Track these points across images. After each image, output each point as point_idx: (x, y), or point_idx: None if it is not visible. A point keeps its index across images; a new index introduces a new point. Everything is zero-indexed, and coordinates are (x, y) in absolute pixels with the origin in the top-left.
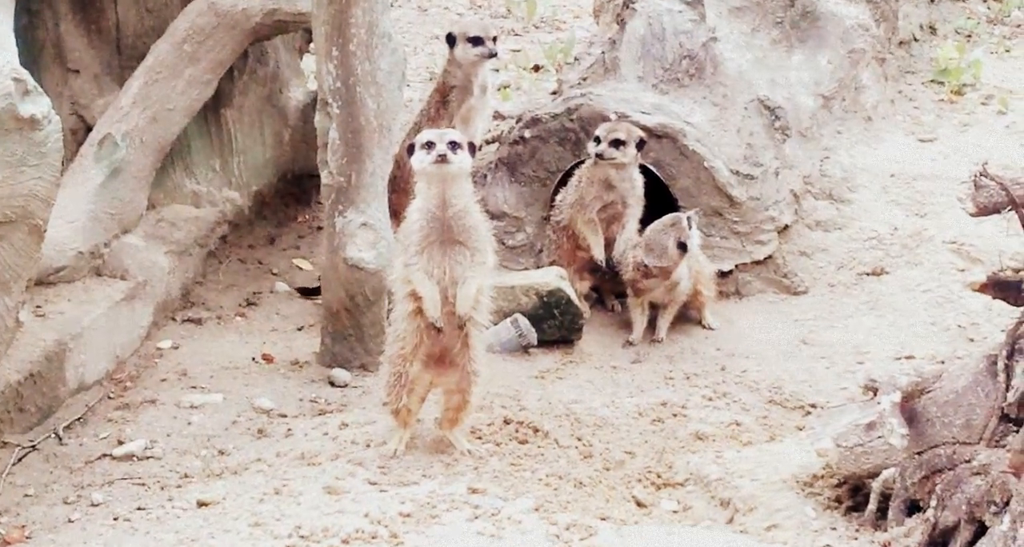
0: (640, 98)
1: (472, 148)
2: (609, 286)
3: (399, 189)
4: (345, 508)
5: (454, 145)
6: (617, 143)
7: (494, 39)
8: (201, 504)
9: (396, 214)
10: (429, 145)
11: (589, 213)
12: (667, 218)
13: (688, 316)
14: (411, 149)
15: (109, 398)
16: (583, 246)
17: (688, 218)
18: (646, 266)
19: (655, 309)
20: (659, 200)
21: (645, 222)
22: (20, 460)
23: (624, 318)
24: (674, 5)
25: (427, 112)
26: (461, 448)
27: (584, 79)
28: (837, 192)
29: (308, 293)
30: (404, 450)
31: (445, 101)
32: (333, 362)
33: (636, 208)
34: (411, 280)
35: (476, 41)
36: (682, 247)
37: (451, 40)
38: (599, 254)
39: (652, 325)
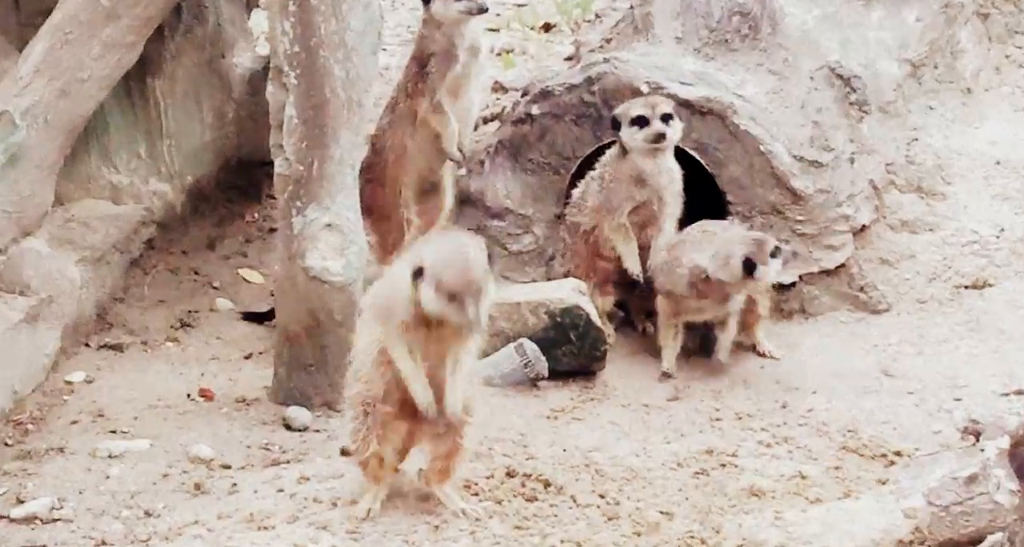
0: (679, 65)
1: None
2: (639, 303)
3: (374, 179)
4: None
5: None
6: (667, 118)
7: None
8: None
9: (370, 211)
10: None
11: (619, 217)
12: (754, 232)
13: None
14: (417, 274)
15: (6, 445)
16: (607, 255)
17: (779, 247)
18: (705, 277)
19: (689, 329)
20: (701, 194)
21: (683, 223)
22: None
23: (657, 342)
24: None
25: (404, 87)
26: (453, 507)
27: (608, 41)
28: (928, 183)
29: (257, 318)
30: (380, 510)
31: (424, 72)
32: (289, 399)
33: (674, 206)
34: (393, 357)
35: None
36: (748, 267)
37: None
38: (634, 266)
39: (693, 348)
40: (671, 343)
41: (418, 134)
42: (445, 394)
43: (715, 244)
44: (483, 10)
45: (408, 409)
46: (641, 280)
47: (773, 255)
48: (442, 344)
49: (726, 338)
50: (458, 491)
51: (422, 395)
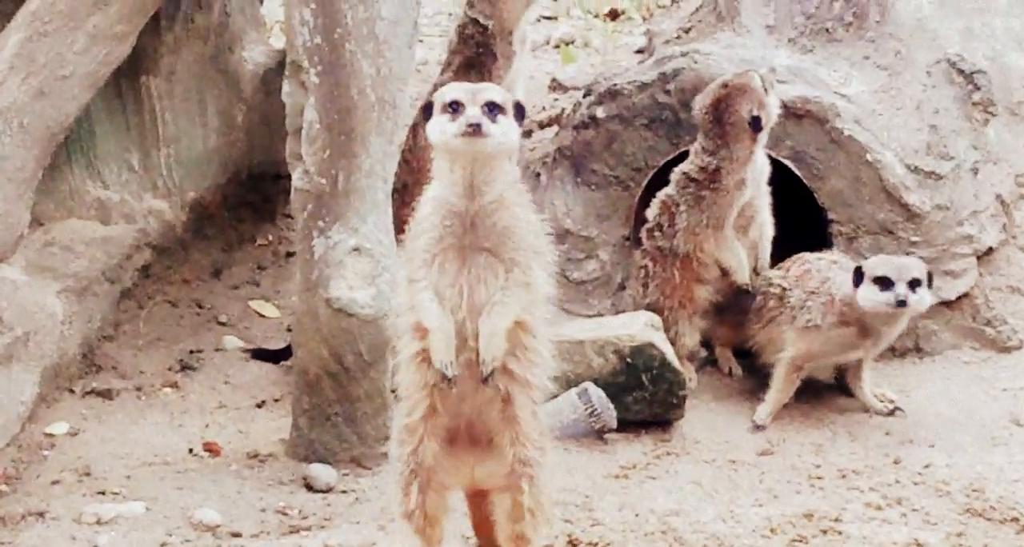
0: (770, 58)
1: (520, 112)
2: (727, 335)
3: (411, 201)
4: None
5: (493, 108)
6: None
7: None
8: None
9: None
10: (455, 107)
11: (727, 230)
12: (905, 258)
13: (827, 381)
14: (427, 111)
15: None
16: (707, 279)
17: (931, 273)
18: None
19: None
20: (795, 209)
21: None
22: None
23: (745, 386)
24: None
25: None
26: None
27: (686, 31)
28: None
29: (270, 357)
30: None
31: (477, 71)
32: (311, 455)
33: (766, 197)
34: (415, 305)
35: None
36: (900, 303)
37: None
38: (745, 277)
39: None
40: (784, 390)
41: None
42: (480, 333)
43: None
44: None
45: (463, 440)
46: (755, 289)
47: (930, 284)
48: (479, 283)
49: (866, 382)
50: None
51: (440, 345)
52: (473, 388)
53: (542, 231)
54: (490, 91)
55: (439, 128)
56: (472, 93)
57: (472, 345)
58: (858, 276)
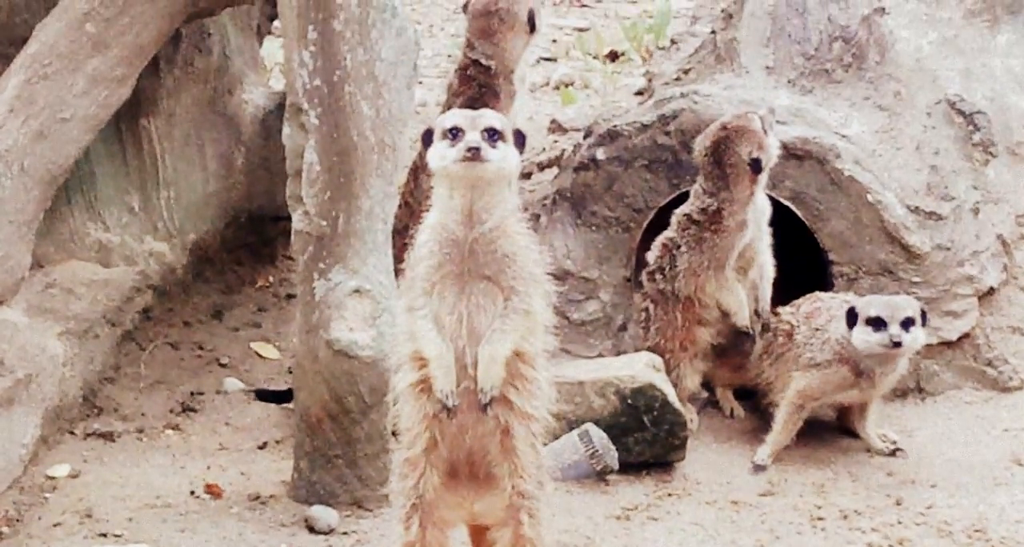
0: (770, 99)
1: (521, 139)
2: (728, 377)
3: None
4: None
5: (493, 134)
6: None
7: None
8: None
9: None
10: (454, 133)
11: (728, 271)
12: (898, 298)
13: (832, 422)
14: (428, 138)
15: None
16: (708, 320)
17: (925, 312)
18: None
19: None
20: (795, 251)
21: (779, 289)
22: None
23: (746, 427)
24: None
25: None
26: None
27: (686, 72)
28: None
29: (273, 398)
30: None
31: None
32: (312, 496)
33: (766, 237)
34: (414, 334)
35: (531, 16)
36: (895, 344)
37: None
38: (746, 319)
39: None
40: (785, 430)
41: None
42: (479, 361)
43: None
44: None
45: (460, 473)
46: (755, 332)
47: (924, 321)
48: (478, 310)
49: (871, 422)
50: None
51: (440, 373)
52: (473, 419)
53: (541, 260)
54: (489, 117)
55: (439, 154)
56: (472, 119)
57: (471, 373)
58: (851, 317)
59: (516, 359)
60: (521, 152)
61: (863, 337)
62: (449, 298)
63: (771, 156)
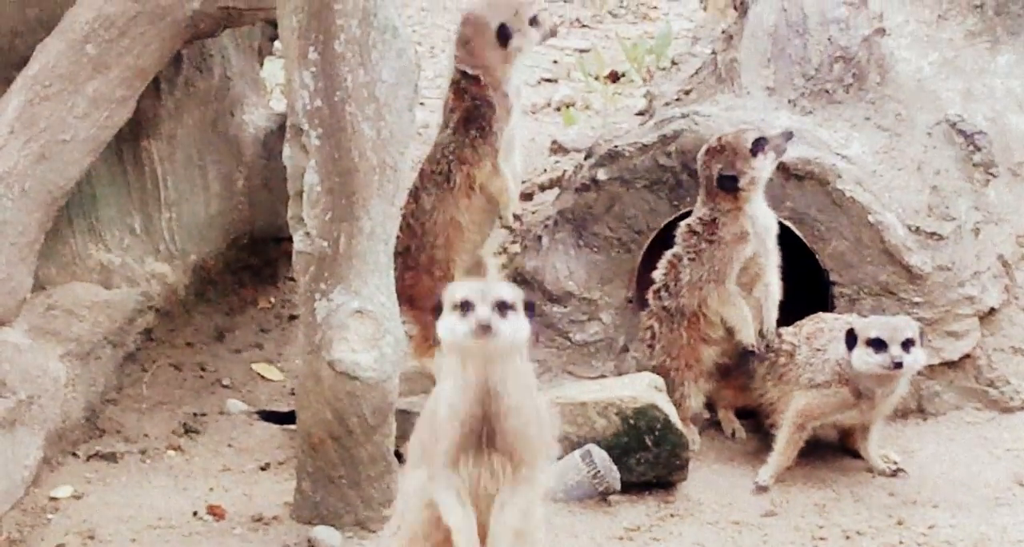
0: (771, 120)
1: (531, 309)
2: (731, 397)
3: (417, 267)
4: None
5: (503, 307)
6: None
7: (533, 21)
8: None
9: (412, 301)
10: (465, 306)
11: (729, 284)
12: (898, 319)
13: (833, 442)
14: (437, 310)
15: None
16: (713, 338)
17: (923, 330)
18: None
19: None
20: (798, 271)
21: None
22: None
23: (748, 448)
24: None
25: (453, 150)
26: None
27: (686, 92)
28: None
29: (277, 419)
30: None
31: (479, 127)
32: (315, 517)
33: (775, 254)
34: (437, 503)
35: (501, 30)
36: (896, 365)
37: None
38: (750, 337)
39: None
40: (787, 451)
41: (472, 206)
42: (493, 535)
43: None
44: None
45: None
46: (759, 350)
47: (920, 341)
48: (491, 477)
49: (873, 443)
50: None
51: (465, 543)
52: None
53: (551, 423)
54: (499, 289)
55: (450, 327)
56: (482, 293)
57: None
58: (851, 338)
59: (519, 529)
60: (531, 319)
61: (864, 358)
62: (467, 469)
63: (754, 176)
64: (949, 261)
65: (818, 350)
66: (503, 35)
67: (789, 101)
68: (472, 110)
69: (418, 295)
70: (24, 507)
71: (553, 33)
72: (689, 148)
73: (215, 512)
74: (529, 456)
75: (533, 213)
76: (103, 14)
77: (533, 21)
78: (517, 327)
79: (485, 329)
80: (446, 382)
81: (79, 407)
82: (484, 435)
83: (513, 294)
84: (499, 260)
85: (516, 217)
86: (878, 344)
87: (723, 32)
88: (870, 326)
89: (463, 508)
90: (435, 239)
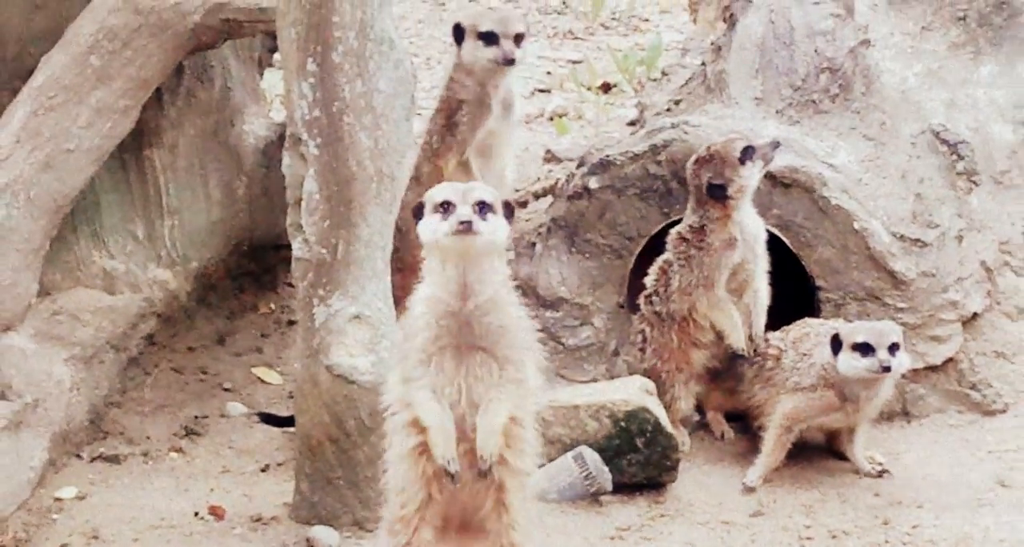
0: (759, 129)
1: (510, 210)
2: (719, 400)
3: (406, 267)
4: None
5: (483, 207)
6: (748, 152)
7: (516, 38)
8: None
9: (398, 302)
10: (445, 206)
11: (719, 289)
12: (883, 323)
13: (820, 444)
14: (419, 211)
15: None
16: (703, 342)
17: (904, 333)
18: (827, 373)
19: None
20: (786, 279)
21: (773, 317)
22: None
23: (736, 449)
24: None
25: (429, 145)
26: None
27: (676, 103)
28: None
29: (277, 422)
30: None
31: (453, 124)
32: (313, 517)
33: (763, 260)
34: (412, 403)
35: (490, 38)
36: (884, 368)
37: (458, 34)
38: (740, 341)
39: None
40: (774, 452)
41: None
42: (478, 430)
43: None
44: (510, 61)
45: (453, 526)
46: (748, 354)
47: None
48: (476, 381)
49: (859, 446)
50: None
51: (441, 441)
52: (470, 477)
53: (532, 327)
54: (480, 191)
55: (431, 227)
56: (462, 193)
57: (471, 436)
58: (836, 343)
59: (511, 423)
60: (510, 223)
61: (851, 363)
62: (448, 369)
63: (742, 184)
64: (933, 267)
65: (804, 355)
66: (456, 34)
67: (776, 111)
68: (449, 106)
69: (406, 296)
70: (30, 507)
71: (509, 59)
72: (679, 157)
73: (216, 512)
74: (513, 354)
75: (527, 220)
76: (106, 26)
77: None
78: (496, 227)
79: (466, 227)
80: (424, 283)
81: (83, 410)
82: (462, 331)
83: (493, 196)
84: None
85: None
86: (865, 348)
87: (712, 44)
88: (856, 331)
89: (439, 405)
90: (417, 238)
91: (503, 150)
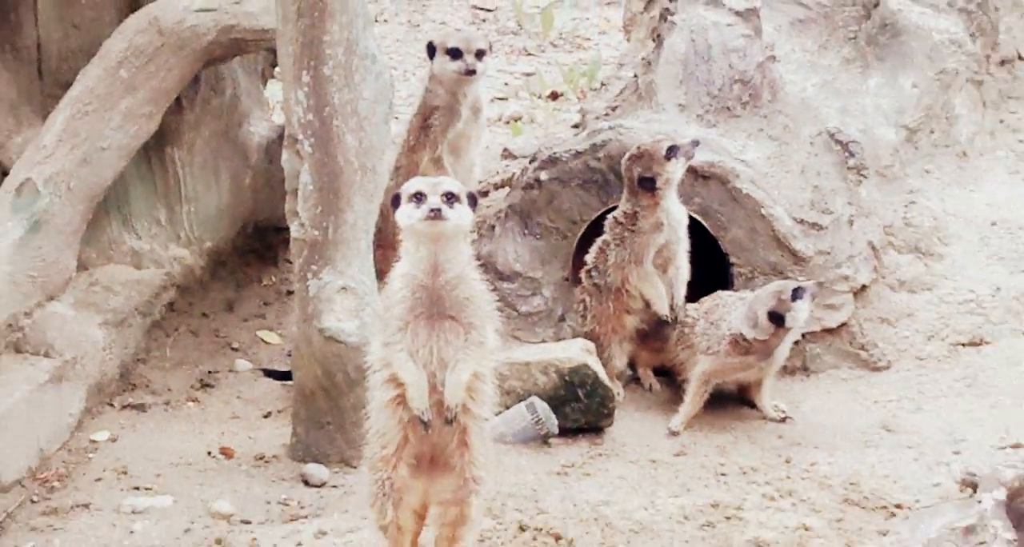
0: (682, 131)
1: (473, 200)
2: (648, 358)
3: (386, 244)
4: None
5: (451, 197)
6: (673, 150)
7: (478, 54)
8: None
9: (380, 275)
10: (419, 197)
11: (646, 265)
12: (773, 285)
13: (733, 394)
14: (396, 201)
15: (32, 502)
16: (634, 309)
17: (797, 289)
18: (746, 340)
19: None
20: (705, 256)
21: (692, 287)
22: None
23: (663, 399)
24: (723, 17)
25: (407, 142)
26: None
27: (613, 109)
28: (925, 244)
29: (277, 376)
30: None
31: (427, 125)
32: (307, 456)
33: (686, 242)
34: (391, 363)
35: (456, 53)
36: (776, 319)
37: (430, 51)
38: (664, 308)
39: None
40: (694, 402)
41: None
42: (445, 385)
43: (746, 306)
44: (472, 72)
45: (425, 463)
46: (672, 320)
47: (796, 297)
48: (445, 344)
49: (768, 396)
50: None
51: (416, 394)
52: (439, 424)
53: (491, 298)
54: (448, 184)
55: (407, 214)
56: (433, 185)
57: (440, 390)
58: (431, 50)
59: (473, 379)
60: (474, 210)
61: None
62: (422, 335)
63: (668, 177)
64: (828, 247)
65: (713, 323)
66: (428, 50)
67: (697, 116)
68: (425, 110)
69: (386, 269)
70: (69, 448)
71: (471, 71)
72: (615, 154)
73: (226, 452)
74: (477, 320)
75: (488, 207)
76: (134, 45)
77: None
78: (462, 214)
79: (436, 214)
80: (401, 261)
81: (114, 366)
82: (433, 303)
83: (459, 188)
84: None
85: None
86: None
87: (643, 59)
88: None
89: (414, 365)
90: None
91: (472, 149)
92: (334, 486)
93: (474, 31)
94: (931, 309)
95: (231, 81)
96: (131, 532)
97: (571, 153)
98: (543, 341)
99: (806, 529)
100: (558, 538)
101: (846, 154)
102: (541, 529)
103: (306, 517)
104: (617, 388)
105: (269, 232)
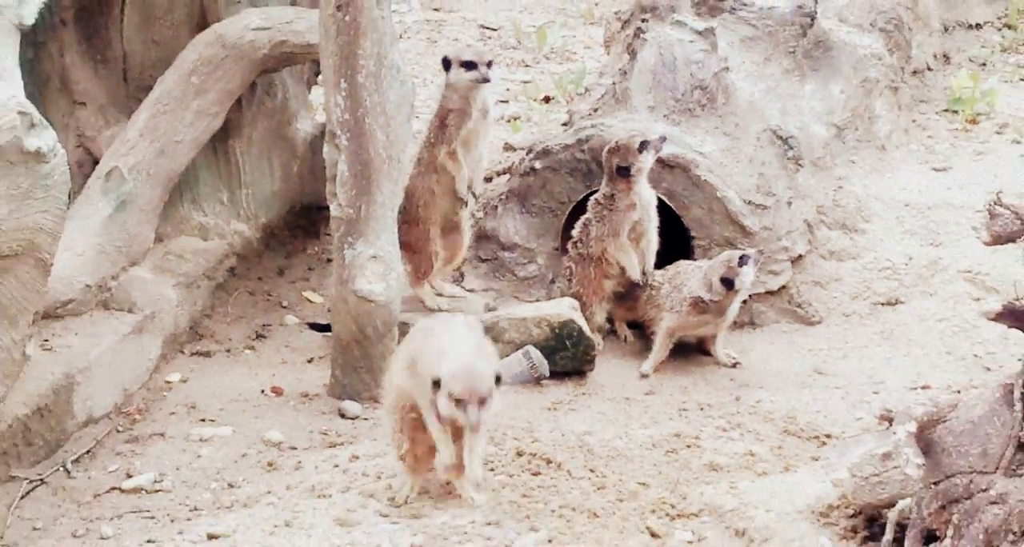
0: (652, 128)
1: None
2: (623, 314)
3: (408, 220)
4: (356, 540)
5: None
6: (645, 144)
7: (488, 64)
8: (211, 537)
9: (406, 246)
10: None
11: (622, 237)
12: (725, 254)
13: (693, 344)
14: (447, 65)
15: (117, 431)
16: (612, 274)
17: (743, 257)
18: (703, 301)
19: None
20: (672, 231)
21: (661, 257)
22: (28, 494)
23: (635, 348)
24: (685, 35)
25: (427, 138)
26: (466, 496)
27: (595, 110)
28: (851, 222)
29: (319, 328)
30: (415, 497)
31: (444, 125)
32: (343, 394)
33: (655, 220)
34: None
35: (469, 65)
36: (727, 283)
37: (446, 64)
38: (636, 274)
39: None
40: (661, 350)
41: (442, 180)
42: (466, 464)
43: (700, 274)
44: (487, 80)
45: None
46: (643, 283)
47: (742, 264)
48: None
49: (721, 346)
50: (474, 484)
51: (444, 456)
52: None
53: None
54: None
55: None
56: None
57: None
58: (446, 64)
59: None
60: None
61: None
62: None
63: (640, 166)
64: (771, 223)
65: (676, 287)
66: (445, 64)
67: (664, 115)
68: (442, 112)
69: (409, 241)
70: (148, 387)
71: (486, 79)
72: (597, 147)
73: (276, 391)
74: None
75: (492, 190)
76: (203, 56)
77: (469, 65)
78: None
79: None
80: None
81: (185, 320)
82: None
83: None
84: (471, 221)
85: (472, 194)
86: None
87: (620, 69)
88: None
89: (442, 427)
90: (418, 201)
91: (481, 144)
92: (365, 419)
93: (481, 46)
94: (855, 275)
95: (282, 87)
96: (198, 456)
97: (561, 146)
98: (537, 300)
99: (752, 455)
100: (549, 461)
101: (786, 147)
102: (535, 454)
103: (342, 444)
104: (597, 339)
105: (313, 210)
